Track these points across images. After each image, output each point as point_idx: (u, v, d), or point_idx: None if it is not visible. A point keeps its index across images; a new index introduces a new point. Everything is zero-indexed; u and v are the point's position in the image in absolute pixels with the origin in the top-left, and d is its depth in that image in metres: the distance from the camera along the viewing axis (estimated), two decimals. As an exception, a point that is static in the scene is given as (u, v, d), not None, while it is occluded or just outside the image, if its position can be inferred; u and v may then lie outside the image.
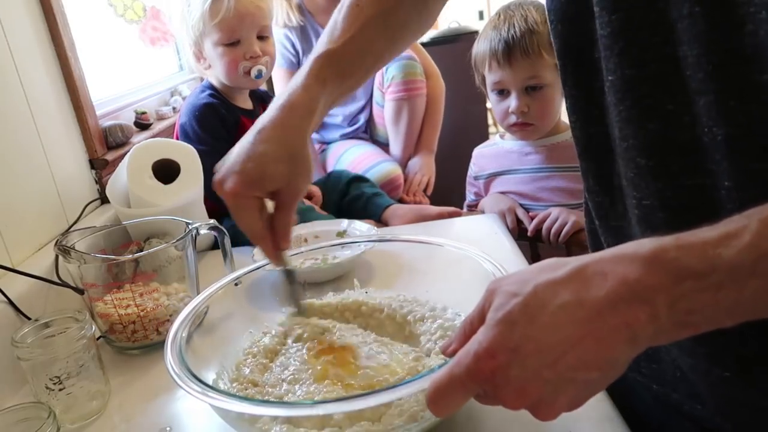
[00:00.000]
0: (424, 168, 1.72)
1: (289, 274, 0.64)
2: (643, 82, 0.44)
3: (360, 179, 1.43)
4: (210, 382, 0.56)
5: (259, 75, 1.23)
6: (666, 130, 0.44)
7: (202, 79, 1.34)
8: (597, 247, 0.59)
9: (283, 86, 1.63)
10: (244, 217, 0.59)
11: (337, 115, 1.82)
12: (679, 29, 0.41)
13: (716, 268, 0.33)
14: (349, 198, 1.38)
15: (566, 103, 0.54)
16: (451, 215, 1.21)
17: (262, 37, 1.23)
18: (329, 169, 1.73)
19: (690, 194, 0.44)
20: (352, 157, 1.70)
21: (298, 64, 1.74)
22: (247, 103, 1.30)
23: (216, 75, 1.25)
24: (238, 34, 1.20)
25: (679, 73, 0.42)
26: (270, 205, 0.60)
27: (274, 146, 0.58)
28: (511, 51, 1.15)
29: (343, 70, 0.63)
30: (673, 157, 0.44)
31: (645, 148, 0.45)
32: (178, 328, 0.56)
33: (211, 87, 1.25)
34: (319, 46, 0.63)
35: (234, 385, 0.58)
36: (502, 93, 1.21)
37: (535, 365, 0.36)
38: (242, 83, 1.24)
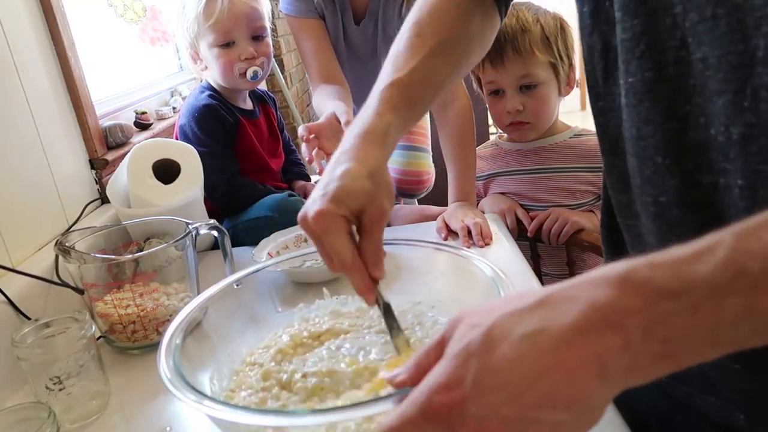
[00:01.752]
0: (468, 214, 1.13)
1: (387, 310, 0.57)
2: (661, 84, 0.45)
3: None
4: (206, 386, 0.56)
5: (255, 76, 1.22)
6: (682, 130, 0.45)
7: (201, 79, 1.34)
8: (613, 244, 0.60)
9: (311, 44, 1.37)
10: (334, 242, 0.53)
11: None
12: (700, 31, 0.42)
13: (691, 287, 0.30)
14: None
15: (602, 100, 0.54)
16: None
17: (257, 38, 1.23)
18: None
19: (704, 192, 0.44)
20: None
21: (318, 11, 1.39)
22: (246, 104, 1.30)
23: (213, 76, 1.25)
24: (233, 35, 1.19)
25: (693, 75, 0.43)
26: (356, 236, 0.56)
27: (353, 164, 0.55)
28: (504, 50, 1.15)
29: (411, 97, 0.64)
30: (689, 155, 0.45)
31: (662, 147, 0.46)
32: (172, 334, 0.54)
33: (210, 88, 1.25)
34: (385, 76, 0.64)
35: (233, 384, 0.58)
36: (498, 93, 1.21)
37: (495, 402, 0.32)
38: (238, 84, 1.24)
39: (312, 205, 0.54)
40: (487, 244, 1.00)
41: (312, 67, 1.37)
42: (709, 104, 0.43)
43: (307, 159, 0.99)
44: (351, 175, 0.54)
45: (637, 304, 0.31)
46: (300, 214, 0.55)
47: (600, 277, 0.33)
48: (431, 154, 1.72)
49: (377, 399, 0.41)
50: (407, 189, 1.66)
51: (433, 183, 1.73)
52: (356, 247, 0.54)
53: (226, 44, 1.19)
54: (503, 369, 0.32)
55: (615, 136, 0.53)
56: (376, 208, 0.54)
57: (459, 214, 1.11)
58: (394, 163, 1.70)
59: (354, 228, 0.55)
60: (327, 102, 1.21)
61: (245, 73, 1.21)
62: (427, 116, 1.80)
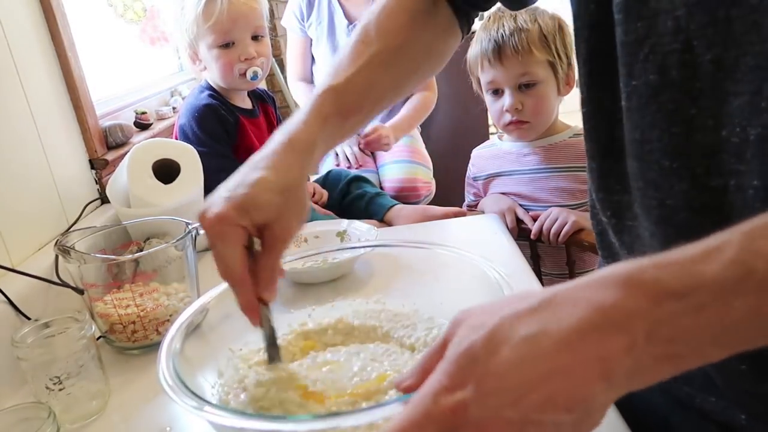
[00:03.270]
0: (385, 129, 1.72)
1: (271, 337, 0.55)
2: (666, 87, 0.45)
3: (360, 179, 1.44)
4: (206, 389, 0.56)
5: (255, 77, 1.23)
6: (689, 134, 0.44)
7: (201, 79, 1.34)
8: (607, 248, 0.59)
9: (296, 52, 1.94)
10: (225, 250, 0.51)
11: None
12: (710, 33, 0.41)
13: (698, 287, 0.30)
14: (350, 198, 1.38)
15: (587, 106, 0.54)
16: (456, 215, 1.21)
17: (256, 38, 1.23)
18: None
19: (713, 195, 0.44)
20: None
21: (304, 32, 1.91)
22: (246, 103, 1.30)
23: (212, 77, 1.25)
24: (232, 35, 1.19)
25: (700, 78, 0.43)
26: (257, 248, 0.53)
27: (268, 174, 0.52)
28: (502, 49, 1.16)
29: (345, 106, 0.60)
30: (697, 159, 0.44)
31: (669, 151, 0.45)
32: (172, 337, 0.53)
33: (210, 87, 1.25)
34: (323, 82, 0.61)
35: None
36: (497, 93, 1.22)
37: (497, 404, 0.32)
38: (238, 85, 1.24)
39: (213, 205, 0.51)
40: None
41: (292, 68, 1.98)
42: (721, 106, 0.42)
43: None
44: (263, 185, 0.51)
45: (642, 305, 0.31)
46: (200, 210, 0.52)
47: (604, 278, 0.33)
48: (431, 170, 1.79)
49: (378, 405, 0.41)
50: (404, 197, 1.68)
51: (433, 193, 1.75)
52: (251, 261, 0.52)
53: (225, 45, 1.20)
54: (505, 372, 0.32)
55: (607, 140, 0.53)
56: (281, 226, 0.52)
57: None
58: (393, 173, 1.73)
59: (256, 242, 0.52)
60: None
61: (245, 73, 1.21)
62: (419, 137, 1.92)
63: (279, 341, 0.56)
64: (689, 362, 0.32)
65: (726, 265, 0.30)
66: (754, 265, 0.29)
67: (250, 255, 0.52)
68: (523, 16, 1.17)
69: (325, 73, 0.62)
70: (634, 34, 0.46)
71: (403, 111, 1.84)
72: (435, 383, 0.34)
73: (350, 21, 1.85)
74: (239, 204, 0.51)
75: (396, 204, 1.33)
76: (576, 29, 0.52)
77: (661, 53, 0.44)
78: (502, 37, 1.15)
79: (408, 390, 0.38)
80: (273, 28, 2.59)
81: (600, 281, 0.33)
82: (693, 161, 0.45)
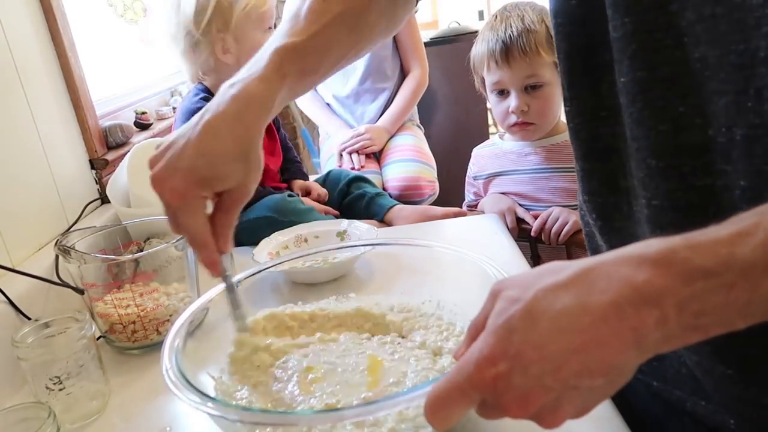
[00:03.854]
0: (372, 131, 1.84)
1: (228, 282, 0.59)
2: (654, 84, 0.44)
3: (360, 179, 1.44)
4: (209, 387, 0.56)
5: None
6: (677, 132, 0.44)
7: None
8: (595, 249, 0.59)
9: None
10: (188, 220, 0.53)
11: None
12: (698, 31, 0.41)
13: (729, 267, 0.32)
14: (350, 198, 1.38)
15: (569, 105, 0.54)
16: (456, 215, 1.21)
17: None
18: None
19: (700, 195, 0.44)
20: (400, 142, 1.85)
21: None
22: None
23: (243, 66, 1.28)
24: (274, 19, 1.26)
25: (689, 75, 0.42)
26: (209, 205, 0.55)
27: (228, 143, 0.52)
28: (509, 50, 1.15)
29: (305, 65, 0.59)
30: (684, 158, 0.44)
31: (656, 149, 0.45)
32: (174, 335, 0.54)
33: (205, 90, 1.25)
34: (280, 36, 0.59)
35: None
36: (502, 93, 1.21)
37: (538, 373, 0.34)
38: None
39: (172, 176, 0.51)
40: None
41: None
42: (708, 105, 0.42)
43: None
44: (224, 157, 0.52)
45: (674, 283, 0.32)
46: (155, 174, 0.52)
47: (638, 254, 0.34)
48: (435, 169, 1.82)
49: (380, 400, 0.42)
50: (408, 196, 1.68)
51: (437, 193, 1.75)
52: (209, 220, 0.54)
53: (269, 28, 1.26)
54: (544, 343, 0.34)
55: (590, 140, 0.52)
56: (240, 190, 0.54)
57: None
58: (397, 173, 1.74)
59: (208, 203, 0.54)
60: (319, 111, 1.95)
61: None
62: (423, 137, 1.91)
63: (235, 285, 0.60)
64: (716, 331, 0.33)
65: (756, 247, 0.31)
66: None
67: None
68: (530, 16, 1.16)
69: (280, 30, 0.60)
70: (622, 29, 0.45)
71: (397, 100, 1.89)
72: (477, 353, 0.36)
73: None
74: (200, 177, 0.51)
75: (396, 204, 1.33)
76: (557, 25, 0.52)
77: (651, 49, 0.44)
78: (510, 37, 1.15)
79: (459, 358, 0.40)
80: (273, 27, 2.59)
81: (633, 258, 0.34)
82: (680, 160, 0.44)
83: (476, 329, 0.40)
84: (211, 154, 0.51)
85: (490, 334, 0.36)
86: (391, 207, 1.31)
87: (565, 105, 0.54)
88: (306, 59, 0.59)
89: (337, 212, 1.32)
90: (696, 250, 0.33)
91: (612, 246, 0.55)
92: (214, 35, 1.21)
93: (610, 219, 0.54)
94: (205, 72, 1.27)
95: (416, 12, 0.72)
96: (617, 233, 0.54)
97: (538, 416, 0.36)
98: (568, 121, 0.54)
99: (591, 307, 0.34)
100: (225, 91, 0.55)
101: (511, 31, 1.15)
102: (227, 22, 1.20)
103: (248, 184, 0.54)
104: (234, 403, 0.54)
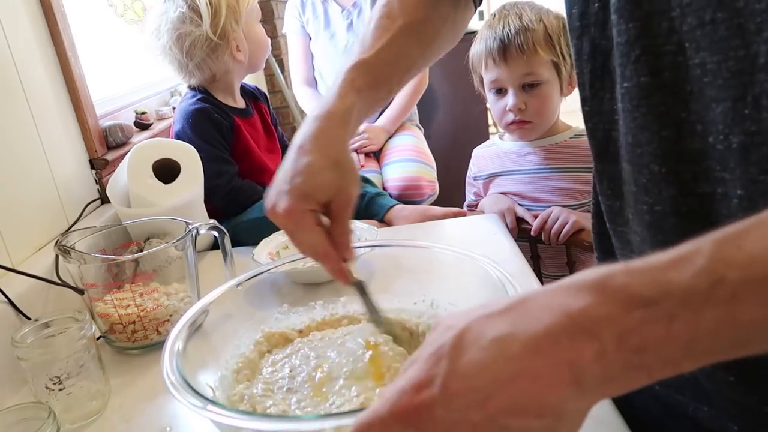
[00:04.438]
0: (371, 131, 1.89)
1: (360, 287, 0.60)
2: (657, 89, 0.44)
3: (360, 179, 1.44)
4: (209, 387, 0.56)
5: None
6: (679, 138, 0.44)
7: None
8: (605, 250, 0.59)
9: (299, 54, 2.04)
10: (305, 236, 0.56)
11: None
12: (699, 36, 0.41)
13: (668, 295, 0.29)
14: None
15: (589, 104, 0.53)
16: (456, 215, 1.21)
17: None
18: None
19: (700, 202, 0.44)
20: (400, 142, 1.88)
21: (305, 30, 2.02)
22: (239, 102, 1.30)
23: (253, 60, 1.28)
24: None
25: (690, 81, 0.42)
26: (325, 220, 0.57)
27: (317, 156, 0.56)
28: (507, 48, 1.15)
29: (376, 78, 0.63)
30: (685, 164, 0.44)
31: (658, 155, 0.45)
32: (175, 337, 0.54)
33: (202, 90, 1.24)
34: (352, 56, 0.64)
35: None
36: (500, 92, 1.21)
37: (462, 405, 0.31)
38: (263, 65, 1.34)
39: (280, 200, 0.55)
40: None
41: (296, 71, 2.07)
42: (707, 111, 0.42)
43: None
44: (316, 167, 0.55)
45: (612, 311, 0.30)
46: (268, 206, 0.56)
47: (576, 283, 0.32)
48: (435, 170, 1.83)
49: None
50: (408, 196, 1.68)
51: (437, 193, 1.75)
52: (326, 232, 0.56)
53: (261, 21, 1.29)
54: (471, 373, 0.32)
55: (604, 141, 0.52)
56: (343, 197, 0.56)
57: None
58: (397, 172, 1.74)
59: (322, 217, 0.56)
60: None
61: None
62: (423, 137, 1.96)
63: (367, 289, 0.61)
64: (661, 371, 0.31)
65: (696, 274, 0.29)
66: (724, 274, 0.28)
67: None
68: (528, 15, 1.16)
69: (352, 51, 0.65)
70: (626, 34, 0.45)
71: (397, 100, 1.91)
72: (404, 381, 0.34)
73: (343, 7, 1.95)
74: (302, 192, 0.55)
75: (396, 204, 1.33)
76: (582, 26, 0.52)
77: (654, 54, 0.44)
78: (508, 36, 1.15)
79: None
80: (273, 28, 2.59)
81: (571, 286, 0.32)
82: (681, 167, 0.44)
83: (412, 364, 0.37)
84: (305, 169, 0.55)
85: (419, 363, 0.34)
86: (392, 207, 1.31)
87: (584, 105, 0.54)
88: (376, 73, 0.63)
89: None
90: (634, 276, 0.30)
91: (617, 249, 0.55)
92: (230, 35, 1.20)
93: (614, 223, 0.54)
94: (219, 76, 1.24)
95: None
96: (619, 236, 0.54)
97: None
98: (585, 122, 0.55)
99: (524, 335, 0.31)
100: (309, 115, 0.60)
101: (509, 30, 1.15)
102: (238, 20, 1.21)
103: (348, 189, 0.57)
104: (239, 408, 0.54)
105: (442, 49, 0.73)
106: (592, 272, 0.32)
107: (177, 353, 0.52)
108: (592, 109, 0.53)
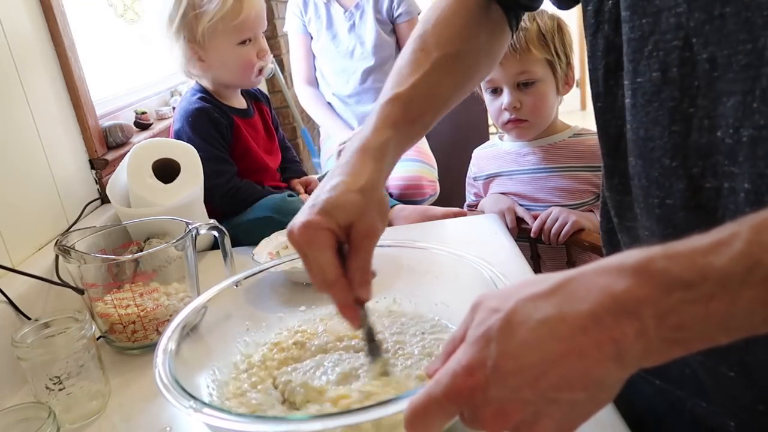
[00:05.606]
0: None
1: (370, 334, 0.56)
2: (667, 84, 0.45)
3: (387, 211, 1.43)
4: (203, 390, 0.56)
5: (270, 73, 1.25)
6: (688, 132, 0.44)
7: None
8: (613, 246, 0.59)
9: (300, 53, 2.04)
10: (316, 254, 0.51)
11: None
12: (707, 31, 0.41)
13: (707, 278, 0.31)
14: None
15: (603, 101, 0.54)
16: (456, 215, 1.21)
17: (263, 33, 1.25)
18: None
19: (708, 196, 0.44)
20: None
21: (306, 29, 2.02)
22: (240, 103, 1.29)
23: (218, 76, 1.22)
24: (254, 31, 1.19)
25: (698, 77, 0.43)
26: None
27: (345, 178, 0.54)
28: None
29: (411, 113, 0.62)
30: (694, 159, 0.44)
31: (669, 149, 0.46)
32: (168, 337, 0.53)
33: (202, 90, 1.24)
34: (387, 91, 0.63)
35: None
36: (496, 92, 1.22)
37: (515, 384, 0.34)
38: (251, 83, 1.24)
39: (299, 217, 0.52)
40: None
41: (298, 70, 2.07)
42: (716, 106, 0.42)
43: None
44: (341, 187, 0.53)
45: (653, 293, 0.32)
46: (288, 227, 0.53)
47: (617, 265, 0.34)
48: (435, 169, 1.83)
49: (375, 404, 0.42)
50: (409, 195, 1.68)
51: (438, 193, 1.75)
52: (342, 264, 0.52)
53: (243, 42, 1.18)
54: (522, 354, 0.34)
55: (616, 137, 0.53)
56: (365, 224, 0.53)
57: None
58: (398, 172, 1.76)
59: (345, 246, 0.53)
60: (320, 110, 1.98)
61: (261, 70, 1.22)
62: (424, 139, 1.92)
63: (376, 336, 0.57)
64: (697, 345, 0.33)
65: (734, 258, 0.31)
66: (761, 258, 0.30)
67: (341, 260, 0.52)
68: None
69: (387, 85, 0.64)
70: (639, 30, 0.46)
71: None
72: (455, 364, 0.36)
73: (345, 8, 1.95)
74: (322, 208, 0.52)
75: (396, 204, 1.33)
76: (597, 23, 0.52)
77: (664, 50, 0.44)
78: None
79: (434, 375, 0.39)
80: (273, 28, 2.59)
81: (612, 268, 0.34)
82: (690, 161, 0.44)
83: (453, 344, 0.39)
84: (330, 189, 0.54)
85: (469, 345, 0.36)
86: (392, 207, 1.31)
87: (597, 101, 0.54)
88: (410, 107, 0.62)
89: None
90: (674, 259, 0.32)
91: (626, 245, 0.55)
92: (184, 44, 1.18)
93: (623, 218, 0.55)
94: (192, 73, 1.24)
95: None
96: (627, 232, 0.55)
97: (516, 431, 0.35)
98: (597, 118, 0.55)
99: (570, 317, 0.33)
100: (347, 148, 0.59)
101: None
102: (194, 34, 1.16)
103: (371, 216, 0.53)
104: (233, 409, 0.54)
105: (478, 79, 0.72)
106: (633, 254, 0.34)
107: (170, 354, 0.52)
108: (605, 105, 0.53)
